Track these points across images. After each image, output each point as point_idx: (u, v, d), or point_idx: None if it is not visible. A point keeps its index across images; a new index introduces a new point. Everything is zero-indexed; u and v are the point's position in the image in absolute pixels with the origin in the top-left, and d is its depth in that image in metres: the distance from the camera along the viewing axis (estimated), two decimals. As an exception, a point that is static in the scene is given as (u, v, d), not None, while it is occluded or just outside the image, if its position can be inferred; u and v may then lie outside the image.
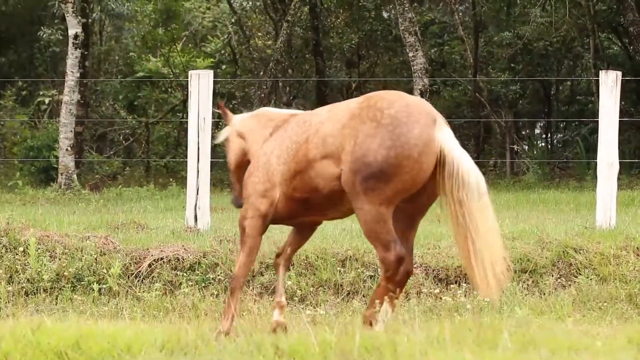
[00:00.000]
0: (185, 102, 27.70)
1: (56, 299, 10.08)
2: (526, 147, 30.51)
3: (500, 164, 28.36)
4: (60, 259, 10.43)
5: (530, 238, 10.89)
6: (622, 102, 12.16)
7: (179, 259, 10.42)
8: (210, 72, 12.45)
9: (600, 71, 12.53)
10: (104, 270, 10.28)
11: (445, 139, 6.88)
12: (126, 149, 32.47)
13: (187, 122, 12.67)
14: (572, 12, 27.87)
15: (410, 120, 6.86)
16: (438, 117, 6.97)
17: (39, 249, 10.52)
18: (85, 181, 24.28)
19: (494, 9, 30.54)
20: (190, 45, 34.17)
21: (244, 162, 8.09)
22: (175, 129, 32.35)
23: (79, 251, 10.53)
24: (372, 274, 10.06)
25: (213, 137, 11.55)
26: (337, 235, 11.27)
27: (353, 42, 32.84)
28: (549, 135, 34.13)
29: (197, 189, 12.11)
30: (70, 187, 21.44)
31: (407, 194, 6.92)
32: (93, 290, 10.06)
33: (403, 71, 30.78)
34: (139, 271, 10.34)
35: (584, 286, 9.90)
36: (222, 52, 33.43)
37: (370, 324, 7.04)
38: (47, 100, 29.50)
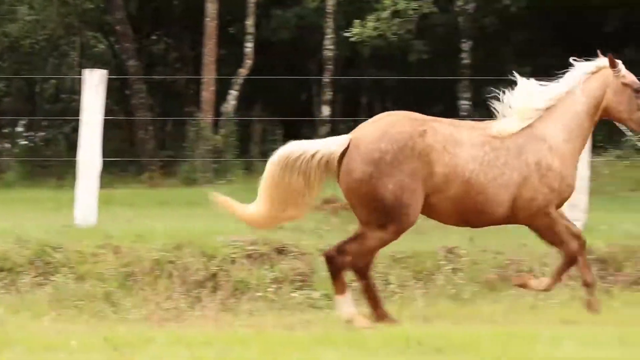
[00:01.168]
0: None
1: None
2: (9, 146, 30.10)
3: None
4: None
5: (9, 237, 10.75)
6: (108, 101, 12.30)
7: None
8: None
9: (84, 70, 12.56)
10: None
11: None
12: None
13: None
14: (59, 10, 27.92)
15: None
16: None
17: None
18: None
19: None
20: None
21: None
22: None
23: None
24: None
25: None
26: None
27: None
28: (32, 133, 33.84)
29: None
30: None
31: None
32: None
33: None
34: None
35: (61, 284, 9.91)
36: None
37: None
38: None
